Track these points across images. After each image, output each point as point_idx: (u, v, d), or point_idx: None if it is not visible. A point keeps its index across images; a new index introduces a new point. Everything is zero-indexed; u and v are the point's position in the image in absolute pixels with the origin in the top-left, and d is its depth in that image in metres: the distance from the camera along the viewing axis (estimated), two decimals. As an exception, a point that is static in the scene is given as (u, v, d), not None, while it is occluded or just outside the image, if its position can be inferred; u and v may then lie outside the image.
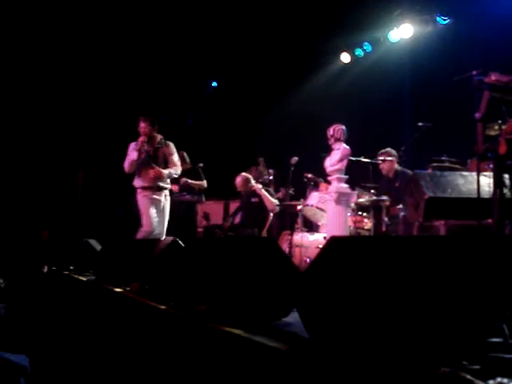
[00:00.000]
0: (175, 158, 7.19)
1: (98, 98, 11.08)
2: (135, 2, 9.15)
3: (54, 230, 9.76)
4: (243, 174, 8.14)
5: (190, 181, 8.32)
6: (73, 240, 7.32)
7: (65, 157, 11.05)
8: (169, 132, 7.64)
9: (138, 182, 7.08)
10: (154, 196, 6.98)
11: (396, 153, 7.21)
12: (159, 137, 7.14)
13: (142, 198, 7.01)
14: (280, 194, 8.49)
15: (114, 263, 4.95)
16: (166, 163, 7.08)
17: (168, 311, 3.23)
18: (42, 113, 10.86)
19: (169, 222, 7.25)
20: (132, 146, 7.08)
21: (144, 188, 7.00)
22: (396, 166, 7.19)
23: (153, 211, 6.92)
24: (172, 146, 7.20)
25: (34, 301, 6.18)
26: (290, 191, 8.00)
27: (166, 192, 7.17)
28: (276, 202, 7.85)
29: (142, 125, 7.03)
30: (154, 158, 7.00)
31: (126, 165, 7.04)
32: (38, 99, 10.78)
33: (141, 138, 7.00)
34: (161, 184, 7.03)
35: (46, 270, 6.98)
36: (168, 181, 7.16)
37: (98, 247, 5.90)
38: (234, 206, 9.39)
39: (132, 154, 6.99)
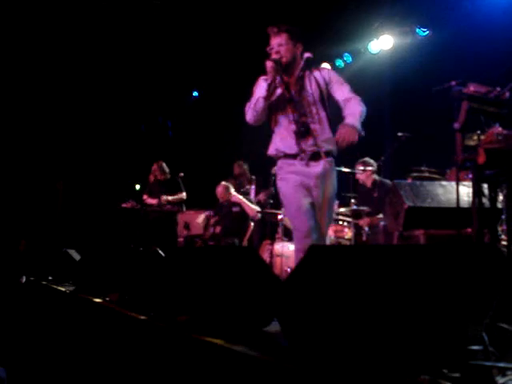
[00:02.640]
0: (346, 86, 3.97)
1: (76, 107, 11.02)
2: (115, 11, 9.12)
3: (32, 240, 9.66)
4: (223, 183, 8.14)
5: (170, 198, 8.36)
6: (51, 250, 7.26)
7: (44, 166, 10.97)
8: (149, 141, 7.58)
9: (273, 147, 4.05)
10: (308, 169, 3.84)
11: (374, 163, 7.25)
12: (306, 55, 3.99)
13: (283, 176, 3.96)
14: (260, 197, 8.50)
15: (93, 273, 4.91)
16: (323, 102, 3.90)
17: (148, 322, 3.20)
18: (20, 122, 10.78)
19: (149, 231, 7.18)
20: (261, 81, 3.95)
21: (287, 156, 3.92)
22: (374, 176, 7.23)
23: (303, 198, 3.82)
24: (329, 71, 4.04)
25: (12, 312, 6.11)
26: (270, 200, 8.00)
27: (329, 161, 3.91)
28: (257, 208, 7.85)
29: (276, 40, 3.97)
30: (298, 97, 3.91)
31: (249, 113, 3.89)
32: (16, 108, 10.69)
33: (269, 64, 3.86)
34: (324, 146, 3.85)
35: (23, 280, 6.90)
36: (332, 141, 3.83)
37: (77, 257, 5.85)
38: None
39: (259, 94, 3.86)
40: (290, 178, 3.87)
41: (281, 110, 3.92)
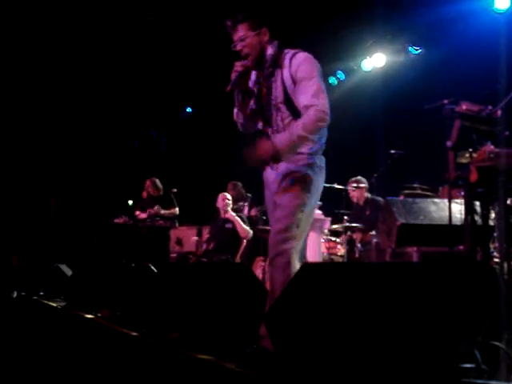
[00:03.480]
0: (311, 88, 3.18)
1: (68, 122, 11.01)
2: (109, 26, 9.17)
3: (24, 255, 9.61)
4: (224, 193, 8.12)
5: (162, 211, 8.34)
6: (43, 265, 7.23)
7: (36, 181, 10.94)
8: (142, 157, 7.54)
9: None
10: (270, 174, 3.44)
11: (366, 181, 7.27)
12: (270, 50, 3.38)
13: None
14: (252, 212, 8.49)
15: (85, 289, 4.89)
16: (290, 104, 3.24)
17: (140, 338, 3.19)
18: (12, 137, 10.76)
19: (141, 247, 7.14)
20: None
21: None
22: (366, 193, 7.25)
23: (269, 212, 3.48)
24: (300, 64, 3.25)
25: (2, 327, 6.06)
26: (264, 217, 8.00)
27: (292, 162, 3.27)
28: (249, 230, 7.82)
29: (235, 34, 3.40)
30: (258, 98, 3.42)
31: (238, 123, 3.61)
32: (8, 124, 10.68)
33: (237, 64, 3.41)
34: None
35: (15, 295, 6.86)
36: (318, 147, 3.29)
37: (69, 272, 5.83)
38: (207, 231, 9.36)
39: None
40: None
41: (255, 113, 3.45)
